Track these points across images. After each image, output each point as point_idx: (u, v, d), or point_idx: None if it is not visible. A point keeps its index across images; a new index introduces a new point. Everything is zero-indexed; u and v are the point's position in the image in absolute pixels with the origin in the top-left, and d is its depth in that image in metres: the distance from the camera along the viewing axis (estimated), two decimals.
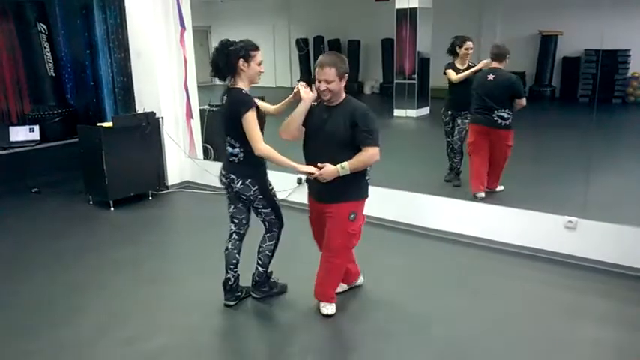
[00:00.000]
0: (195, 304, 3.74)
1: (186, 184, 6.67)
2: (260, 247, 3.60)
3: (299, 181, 5.57)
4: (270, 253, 3.60)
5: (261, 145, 3.20)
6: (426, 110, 12.09)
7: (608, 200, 5.44)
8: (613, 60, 12.50)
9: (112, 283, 4.08)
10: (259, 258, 3.61)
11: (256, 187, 3.37)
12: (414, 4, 11.15)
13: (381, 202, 5.13)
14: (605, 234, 4.13)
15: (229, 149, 3.42)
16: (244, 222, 3.57)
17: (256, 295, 3.70)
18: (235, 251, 3.58)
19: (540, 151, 7.72)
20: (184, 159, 6.67)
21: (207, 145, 7.00)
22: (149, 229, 5.38)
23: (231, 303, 3.61)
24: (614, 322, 3.41)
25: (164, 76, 6.36)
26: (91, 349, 3.22)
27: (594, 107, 12.58)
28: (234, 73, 3.31)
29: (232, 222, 3.58)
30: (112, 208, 5.78)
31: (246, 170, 3.37)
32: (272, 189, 3.50)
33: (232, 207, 3.54)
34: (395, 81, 12.02)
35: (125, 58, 6.60)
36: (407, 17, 11.35)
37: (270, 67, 16.92)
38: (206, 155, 6.98)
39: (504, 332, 3.32)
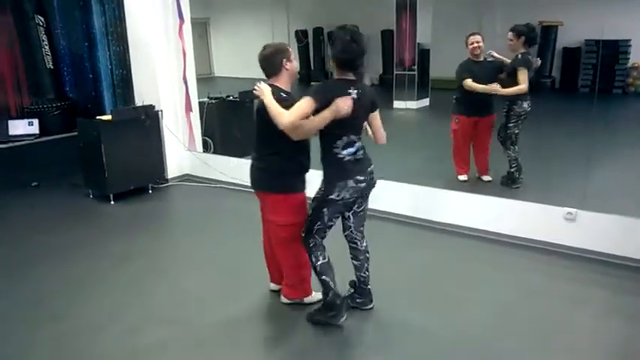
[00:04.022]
0: (195, 297, 3.75)
1: (186, 177, 6.67)
2: (362, 247, 3.39)
3: None
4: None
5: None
6: (425, 102, 12.07)
7: (608, 191, 5.44)
8: (613, 50, 12.45)
9: (111, 277, 4.09)
10: (367, 262, 3.42)
11: None
12: None
13: (382, 195, 5.13)
14: (604, 225, 4.13)
15: (351, 149, 3.09)
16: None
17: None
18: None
19: (540, 141, 7.70)
20: (184, 152, 6.67)
21: (206, 138, 6.99)
22: (149, 223, 5.38)
23: (371, 305, 3.47)
24: (613, 312, 3.42)
25: (163, 69, 6.34)
26: (92, 342, 3.23)
27: (595, 98, 12.55)
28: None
29: (325, 232, 3.26)
30: (112, 202, 5.78)
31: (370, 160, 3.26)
32: None
33: (338, 215, 3.26)
34: (395, 72, 11.99)
35: (124, 51, 6.57)
36: (407, 8, 11.31)
37: None
38: (205, 148, 6.98)
39: (504, 322, 3.33)
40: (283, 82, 3.22)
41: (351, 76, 3.04)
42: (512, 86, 5.37)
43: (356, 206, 3.25)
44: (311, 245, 3.22)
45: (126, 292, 3.86)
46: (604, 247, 4.11)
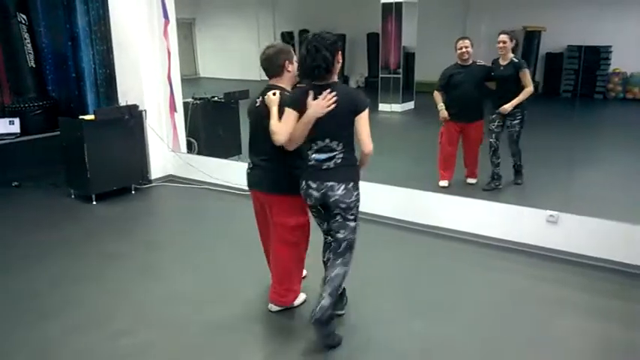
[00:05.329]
0: (180, 297, 3.73)
1: (169, 178, 6.62)
2: (329, 276, 3.06)
3: None
4: (342, 283, 3.12)
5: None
6: (410, 105, 12.15)
7: (589, 194, 5.52)
8: (595, 56, 12.66)
9: (95, 278, 4.04)
10: (327, 288, 3.02)
11: (357, 193, 3.05)
12: None
13: (367, 197, 5.14)
14: (586, 228, 4.18)
15: (322, 155, 2.99)
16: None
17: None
18: None
19: (522, 145, 7.77)
20: (168, 153, 6.62)
21: (190, 139, 6.95)
22: (132, 223, 5.33)
23: (343, 311, 3.37)
24: (596, 314, 3.46)
25: (147, 69, 6.29)
26: (77, 343, 3.19)
27: (576, 103, 12.74)
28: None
29: (324, 234, 3.28)
30: (94, 202, 5.71)
31: (348, 173, 3.03)
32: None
33: (325, 224, 3.20)
34: (380, 75, 12.05)
35: (108, 50, 6.51)
36: (392, 11, 11.38)
37: (256, 60, 16.82)
38: (189, 149, 6.94)
39: (488, 324, 3.35)
40: (284, 83, 3.21)
41: (322, 81, 2.94)
42: (513, 91, 5.45)
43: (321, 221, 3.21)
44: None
45: (110, 293, 3.81)
46: (586, 250, 4.16)
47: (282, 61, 3.18)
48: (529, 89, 5.41)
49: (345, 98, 2.93)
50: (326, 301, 2.96)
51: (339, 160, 2.98)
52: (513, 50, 5.49)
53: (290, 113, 2.97)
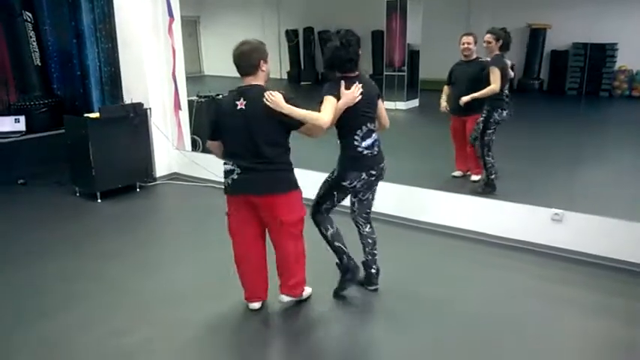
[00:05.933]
0: (181, 295, 3.74)
1: (174, 176, 6.64)
2: (371, 235, 3.66)
3: None
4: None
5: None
6: (415, 102, 12.13)
7: (594, 192, 5.50)
8: (601, 53, 12.60)
9: (98, 276, 4.05)
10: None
11: None
12: None
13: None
14: (591, 226, 4.16)
15: (369, 140, 3.40)
16: None
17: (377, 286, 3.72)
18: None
19: (527, 143, 7.76)
20: (172, 150, 6.63)
21: (195, 137, 6.97)
22: (137, 221, 5.35)
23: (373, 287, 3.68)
24: (599, 312, 3.46)
25: (152, 67, 6.30)
26: (78, 341, 3.20)
27: (582, 100, 12.69)
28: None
29: (331, 210, 3.57)
30: (99, 200, 5.73)
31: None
32: None
33: (344, 197, 3.57)
34: (384, 73, 12.03)
35: (113, 48, 6.53)
36: (397, 9, 11.35)
37: None
38: (194, 147, 6.95)
39: (492, 323, 3.35)
40: (261, 82, 3.14)
41: (351, 74, 3.32)
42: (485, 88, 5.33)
43: (361, 194, 3.51)
44: (319, 220, 3.51)
45: (113, 290, 3.83)
46: (591, 248, 4.15)
47: (256, 60, 3.10)
48: (491, 87, 5.25)
49: (372, 87, 3.44)
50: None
51: (378, 142, 3.45)
52: (502, 49, 5.43)
53: (331, 100, 3.19)
